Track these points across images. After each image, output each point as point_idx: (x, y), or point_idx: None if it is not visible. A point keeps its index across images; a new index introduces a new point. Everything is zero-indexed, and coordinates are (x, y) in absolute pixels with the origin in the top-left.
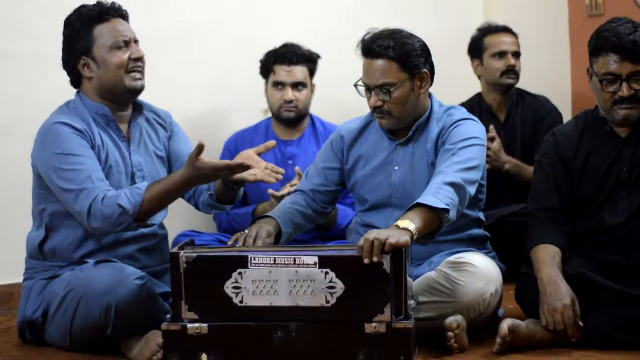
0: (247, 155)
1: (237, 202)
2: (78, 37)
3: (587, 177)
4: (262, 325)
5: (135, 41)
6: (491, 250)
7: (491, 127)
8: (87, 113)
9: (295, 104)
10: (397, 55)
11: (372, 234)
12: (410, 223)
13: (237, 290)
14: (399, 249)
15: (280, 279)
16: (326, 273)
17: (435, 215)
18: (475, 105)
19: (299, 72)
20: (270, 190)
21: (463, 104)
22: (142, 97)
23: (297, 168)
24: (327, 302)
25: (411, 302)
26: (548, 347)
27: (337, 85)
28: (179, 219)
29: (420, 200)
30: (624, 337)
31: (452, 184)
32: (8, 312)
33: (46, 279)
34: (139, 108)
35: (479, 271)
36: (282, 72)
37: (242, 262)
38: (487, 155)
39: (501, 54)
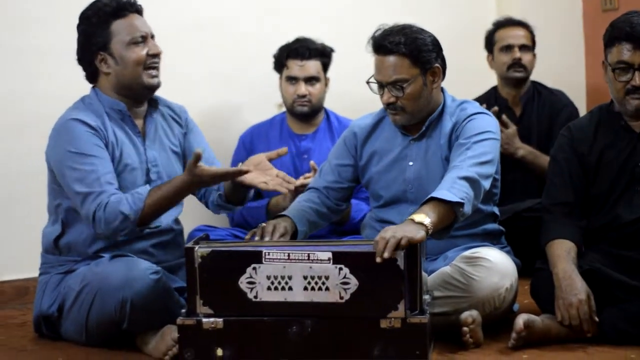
0: (259, 160)
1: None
2: (95, 33)
3: (602, 172)
4: (277, 320)
5: (152, 36)
6: (506, 245)
7: (503, 116)
8: (102, 109)
9: (308, 98)
10: (409, 51)
11: (388, 232)
12: (425, 217)
13: (251, 286)
14: (413, 244)
15: (294, 275)
16: (340, 269)
17: (450, 209)
18: (490, 99)
19: (312, 66)
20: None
21: (478, 98)
22: (157, 92)
23: (312, 162)
24: (342, 298)
25: (426, 297)
26: (563, 343)
27: (352, 80)
28: (194, 214)
29: (435, 194)
30: (639, 333)
31: (466, 179)
32: (24, 306)
33: (62, 273)
34: (154, 103)
35: (494, 266)
36: (295, 67)
37: (256, 257)
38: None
39: (508, 48)
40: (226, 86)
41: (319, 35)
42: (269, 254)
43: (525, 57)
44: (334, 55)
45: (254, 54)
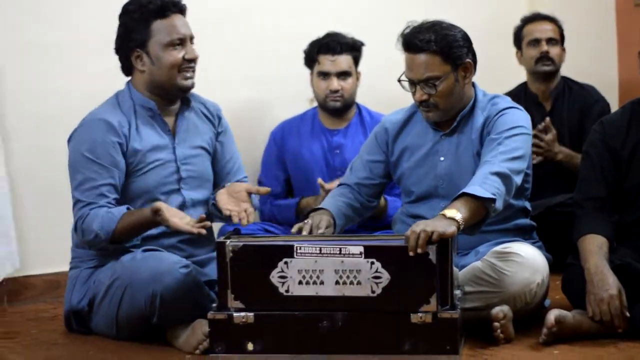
0: (239, 188)
1: (282, 193)
2: (135, 29)
3: (635, 167)
4: (308, 314)
5: (191, 38)
6: (537, 240)
7: (547, 119)
8: (133, 107)
9: (341, 93)
10: (440, 48)
11: (419, 226)
12: (457, 213)
13: (283, 280)
14: (445, 239)
15: (326, 269)
16: (372, 263)
17: (481, 205)
18: (520, 94)
19: (344, 61)
20: (319, 180)
21: (508, 94)
22: None
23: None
24: (373, 292)
25: (457, 292)
26: (594, 338)
27: (383, 73)
28: None
29: (467, 190)
30: None
31: (498, 174)
32: (55, 300)
33: (92, 268)
34: (186, 101)
35: (526, 261)
36: (327, 62)
37: (288, 251)
38: (540, 147)
39: (536, 42)
40: (257, 82)
41: (350, 29)
42: (300, 248)
43: (553, 51)
44: (365, 50)
45: (285, 49)
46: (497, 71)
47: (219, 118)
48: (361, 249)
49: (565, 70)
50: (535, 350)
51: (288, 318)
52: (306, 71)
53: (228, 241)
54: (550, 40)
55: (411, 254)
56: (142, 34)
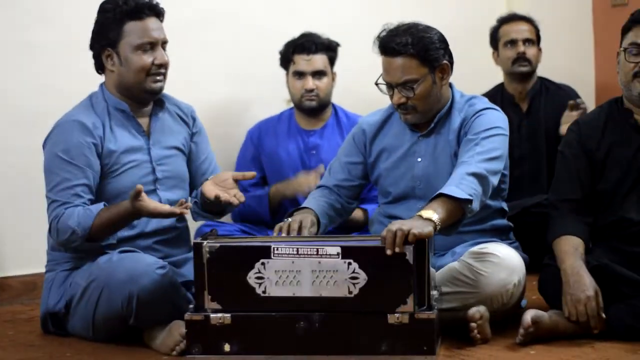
0: (225, 177)
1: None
2: (108, 28)
3: (610, 169)
4: (285, 315)
5: (164, 43)
6: (514, 241)
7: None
8: (106, 108)
9: (316, 92)
10: (417, 51)
11: (395, 225)
12: (433, 213)
13: (260, 281)
14: (422, 240)
15: (303, 270)
16: (349, 264)
17: (458, 206)
18: (497, 95)
19: (319, 60)
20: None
21: (485, 94)
22: (166, 88)
23: (321, 166)
24: (350, 292)
25: (434, 293)
26: (571, 338)
27: (360, 75)
28: None
29: (444, 190)
30: None
31: (475, 175)
32: (32, 301)
33: (68, 270)
34: (160, 102)
35: (502, 262)
36: (302, 62)
37: (265, 252)
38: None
39: (512, 42)
40: (235, 81)
41: (327, 30)
42: (277, 249)
43: (530, 51)
44: (342, 51)
45: (263, 49)
46: (474, 72)
47: (194, 119)
48: (338, 249)
49: (542, 71)
50: (512, 350)
51: (265, 319)
52: (282, 70)
53: (205, 242)
54: (526, 41)
55: (388, 252)
56: (114, 34)
